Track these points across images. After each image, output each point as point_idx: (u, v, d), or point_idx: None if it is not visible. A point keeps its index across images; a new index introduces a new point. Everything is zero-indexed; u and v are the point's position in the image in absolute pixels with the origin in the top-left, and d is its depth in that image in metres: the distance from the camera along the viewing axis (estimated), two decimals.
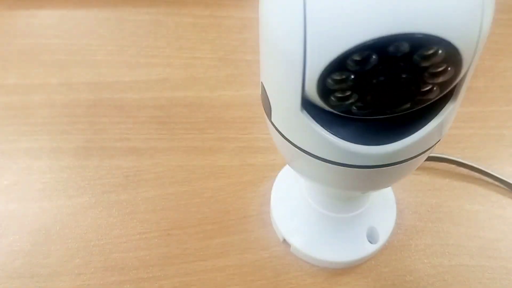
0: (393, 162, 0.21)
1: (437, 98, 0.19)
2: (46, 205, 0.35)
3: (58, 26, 0.45)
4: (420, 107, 0.19)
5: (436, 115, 0.20)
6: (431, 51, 0.16)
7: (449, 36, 0.16)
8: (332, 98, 0.18)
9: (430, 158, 0.36)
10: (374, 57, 0.16)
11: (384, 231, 0.32)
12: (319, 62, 0.17)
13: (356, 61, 0.16)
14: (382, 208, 0.33)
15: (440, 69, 0.17)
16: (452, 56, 0.16)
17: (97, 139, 0.38)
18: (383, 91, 0.17)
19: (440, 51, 0.16)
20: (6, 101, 0.40)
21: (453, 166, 0.37)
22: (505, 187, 0.35)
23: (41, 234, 0.33)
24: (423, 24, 0.15)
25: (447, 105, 0.20)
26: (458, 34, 0.16)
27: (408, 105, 0.18)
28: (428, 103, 0.19)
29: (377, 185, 0.24)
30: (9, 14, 0.46)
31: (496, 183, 0.36)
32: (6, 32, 0.45)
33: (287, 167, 0.35)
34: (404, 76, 0.17)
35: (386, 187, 0.28)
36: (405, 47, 0.16)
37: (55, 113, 0.39)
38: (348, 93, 0.18)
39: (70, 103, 0.40)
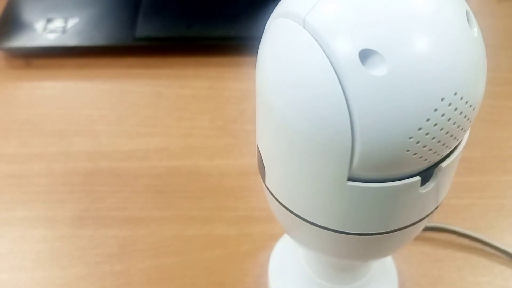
0: (391, 230, 0.21)
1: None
2: (38, 276, 0.34)
3: (60, 97, 0.46)
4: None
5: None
6: None
7: None
8: None
9: (430, 228, 0.36)
10: None
11: None
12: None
13: None
14: (384, 279, 0.33)
15: None
16: None
17: (93, 208, 0.38)
18: None
19: None
20: (5, 169, 0.40)
21: (454, 236, 0.36)
22: (507, 257, 0.35)
23: None
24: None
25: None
26: None
27: None
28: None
29: (376, 254, 0.24)
30: (13, 85, 0.47)
31: (498, 253, 0.35)
32: (9, 102, 0.46)
33: (284, 237, 0.35)
34: None
35: (386, 256, 0.27)
36: None
37: (53, 182, 0.39)
38: None
39: (68, 171, 0.40)
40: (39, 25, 0.50)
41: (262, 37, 0.19)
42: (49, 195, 0.39)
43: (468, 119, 0.17)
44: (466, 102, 0.17)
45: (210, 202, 0.38)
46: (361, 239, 0.21)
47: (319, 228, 0.21)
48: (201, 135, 0.43)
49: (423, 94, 0.16)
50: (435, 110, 0.16)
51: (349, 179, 0.18)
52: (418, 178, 0.18)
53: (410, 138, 0.16)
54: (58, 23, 0.50)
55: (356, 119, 0.16)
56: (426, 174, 0.19)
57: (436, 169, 0.19)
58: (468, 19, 0.17)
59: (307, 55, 0.16)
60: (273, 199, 0.22)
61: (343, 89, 0.16)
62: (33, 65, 0.49)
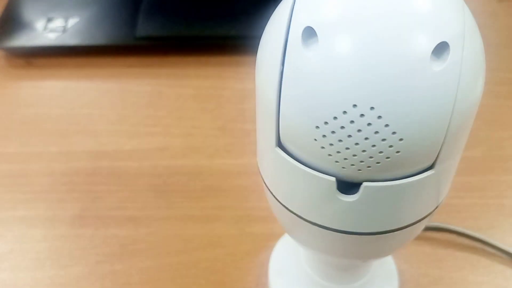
0: (391, 229, 0.21)
1: None
2: (38, 275, 0.34)
3: (60, 97, 0.46)
4: None
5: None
6: None
7: None
8: None
9: (431, 228, 0.36)
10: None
11: None
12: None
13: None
14: (384, 279, 0.33)
15: None
16: None
17: (93, 207, 0.38)
18: None
19: None
20: (6, 169, 0.40)
21: (454, 236, 0.36)
22: (507, 257, 0.35)
23: None
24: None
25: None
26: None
27: None
28: None
29: (376, 253, 0.24)
30: (14, 85, 0.47)
31: (498, 253, 0.35)
32: (9, 102, 0.46)
33: (285, 236, 0.35)
34: None
35: (386, 256, 0.27)
36: None
37: (53, 181, 0.39)
38: None
39: (68, 171, 0.40)
40: (39, 24, 0.50)
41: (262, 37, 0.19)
42: (49, 194, 0.39)
43: (391, 146, 0.16)
44: (386, 125, 0.16)
45: (211, 202, 0.38)
46: (361, 238, 0.21)
47: (319, 228, 0.21)
48: (201, 134, 0.43)
49: (341, 89, 0.16)
50: (344, 112, 0.16)
51: (277, 146, 0.19)
52: (333, 178, 0.18)
53: (317, 127, 0.17)
54: (58, 23, 0.50)
55: (283, 92, 0.17)
56: (353, 185, 0.19)
57: (362, 184, 0.18)
58: (440, 49, 0.16)
59: (277, 25, 0.18)
60: (273, 198, 0.22)
61: (283, 63, 0.17)
62: (34, 64, 0.49)
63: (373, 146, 0.17)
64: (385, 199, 0.19)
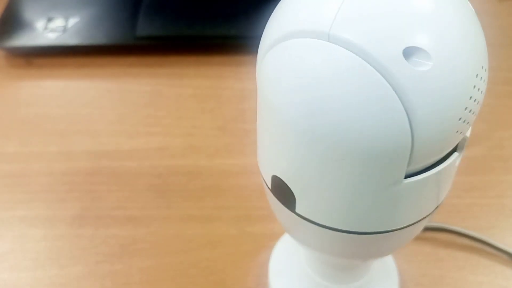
0: (392, 229, 0.21)
1: None
2: (38, 275, 0.34)
3: (60, 96, 0.46)
4: None
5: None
6: None
7: None
8: None
9: (431, 228, 0.36)
10: None
11: None
12: None
13: None
14: (384, 279, 0.33)
15: None
16: None
17: (93, 207, 0.38)
18: None
19: None
20: (5, 168, 0.40)
21: (455, 236, 0.36)
22: (507, 257, 0.35)
23: None
24: None
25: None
26: None
27: None
28: None
29: (376, 253, 0.24)
30: (14, 84, 0.47)
31: (499, 253, 0.35)
32: (9, 101, 0.46)
33: (285, 236, 0.35)
34: None
35: (386, 255, 0.27)
36: None
37: (53, 181, 0.39)
38: None
39: (68, 171, 0.40)
40: (39, 24, 0.50)
41: (268, 69, 0.18)
42: (49, 194, 0.39)
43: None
44: (485, 70, 0.18)
45: (211, 202, 0.38)
46: (362, 238, 0.21)
47: (320, 227, 0.21)
48: (201, 134, 0.43)
49: (463, 76, 0.17)
50: (474, 86, 0.17)
51: (406, 177, 0.18)
52: (456, 153, 0.19)
53: (459, 119, 0.17)
54: (58, 22, 0.50)
55: (412, 117, 0.16)
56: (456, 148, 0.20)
57: (462, 139, 0.19)
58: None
59: (349, 72, 0.16)
60: (274, 198, 0.22)
61: (395, 91, 0.16)
62: (34, 64, 0.49)
63: (481, 92, 0.18)
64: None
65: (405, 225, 0.21)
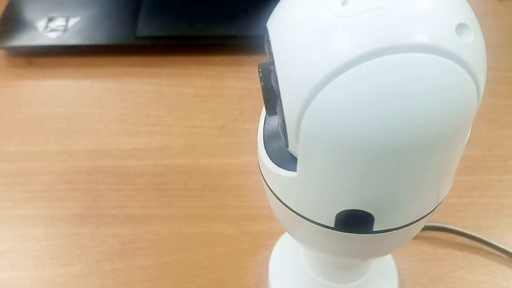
0: (391, 228, 0.21)
1: None
2: (39, 274, 0.34)
3: (61, 96, 0.46)
4: None
5: None
6: None
7: None
8: None
9: (430, 228, 0.36)
10: None
11: None
12: None
13: None
14: (384, 278, 0.33)
15: None
16: None
17: (94, 206, 0.38)
18: None
19: None
20: (6, 168, 0.40)
21: (454, 235, 0.36)
22: (507, 257, 0.35)
23: None
24: None
25: None
26: None
27: None
28: None
29: (375, 252, 0.24)
30: (15, 84, 0.47)
31: (498, 253, 0.35)
32: (10, 101, 0.46)
33: (285, 235, 0.35)
34: None
35: (385, 254, 0.27)
36: None
37: (54, 180, 0.40)
38: None
39: (69, 170, 0.40)
40: (40, 24, 0.50)
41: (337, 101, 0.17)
42: (50, 193, 0.39)
43: None
44: None
45: (211, 201, 0.38)
46: (361, 237, 0.21)
47: (319, 226, 0.21)
48: (201, 133, 0.43)
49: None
50: None
51: None
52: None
53: None
54: (59, 22, 0.50)
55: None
56: None
57: None
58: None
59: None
60: (274, 197, 0.22)
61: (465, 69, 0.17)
62: (35, 63, 0.49)
63: None
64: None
65: (404, 224, 0.21)
